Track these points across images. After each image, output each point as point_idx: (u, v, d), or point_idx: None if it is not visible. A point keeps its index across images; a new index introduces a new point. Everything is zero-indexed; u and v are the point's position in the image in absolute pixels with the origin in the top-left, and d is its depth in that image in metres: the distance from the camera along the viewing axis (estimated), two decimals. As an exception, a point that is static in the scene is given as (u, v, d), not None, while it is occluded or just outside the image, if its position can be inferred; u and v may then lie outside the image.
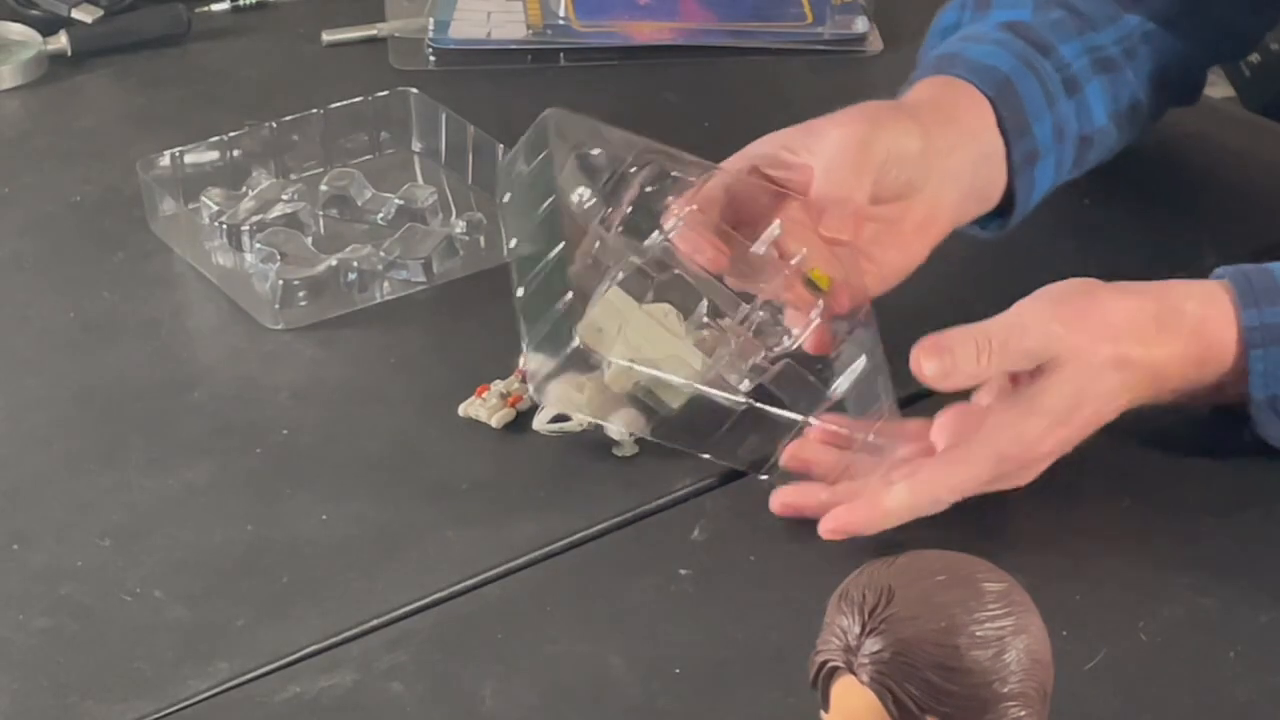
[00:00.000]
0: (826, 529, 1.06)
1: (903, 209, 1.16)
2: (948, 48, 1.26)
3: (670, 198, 1.13)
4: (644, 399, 1.11)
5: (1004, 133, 1.21)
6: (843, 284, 1.12)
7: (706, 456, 1.11)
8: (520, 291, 1.10)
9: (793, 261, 1.12)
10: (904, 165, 1.15)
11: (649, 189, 1.14)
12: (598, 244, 1.11)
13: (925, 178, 1.16)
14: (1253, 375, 1.09)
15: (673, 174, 1.14)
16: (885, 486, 1.06)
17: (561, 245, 1.08)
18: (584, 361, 1.07)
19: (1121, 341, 1.07)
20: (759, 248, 1.12)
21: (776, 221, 1.12)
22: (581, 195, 1.12)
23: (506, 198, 1.15)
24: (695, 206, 1.12)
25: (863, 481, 1.07)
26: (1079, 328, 1.07)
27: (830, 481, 1.09)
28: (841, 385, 1.10)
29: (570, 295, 1.06)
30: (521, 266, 1.11)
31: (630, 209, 1.12)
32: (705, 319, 1.11)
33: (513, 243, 1.14)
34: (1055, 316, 1.07)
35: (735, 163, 1.17)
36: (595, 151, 1.13)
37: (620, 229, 1.12)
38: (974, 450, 1.06)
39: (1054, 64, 1.24)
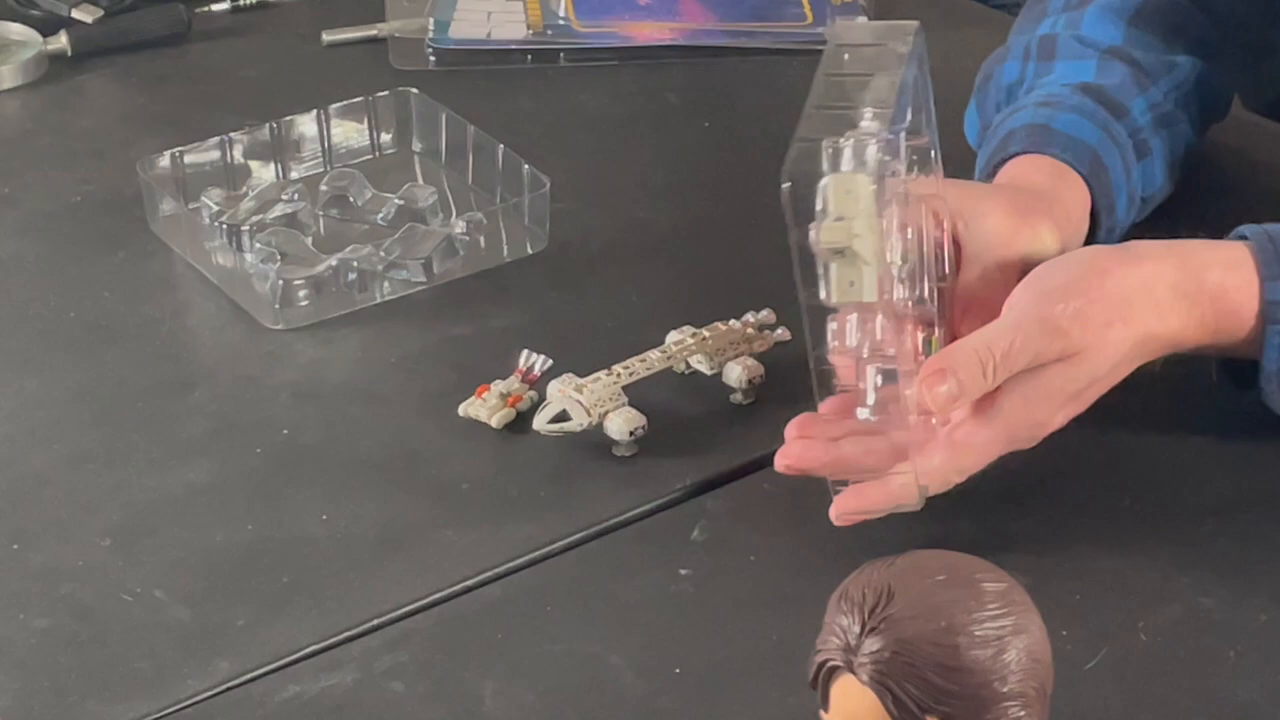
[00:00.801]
0: (837, 514, 1.06)
1: None
2: (1034, 116, 1.23)
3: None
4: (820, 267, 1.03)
5: (1094, 214, 1.20)
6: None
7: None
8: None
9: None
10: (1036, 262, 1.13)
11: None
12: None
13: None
14: (1268, 348, 1.08)
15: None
16: (894, 470, 1.05)
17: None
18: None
19: (1135, 320, 1.06)
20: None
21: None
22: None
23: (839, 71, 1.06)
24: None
25: (865, 447, 1.06)
26: (1086, 319, 1.05)
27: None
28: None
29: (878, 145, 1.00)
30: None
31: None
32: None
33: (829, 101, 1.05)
34: (1060, 313, 1.05)
35: None
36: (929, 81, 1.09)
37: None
38: (985, 432, 1.05)
39: (1127, 128, 1.24)
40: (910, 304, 1.07)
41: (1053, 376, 1.05)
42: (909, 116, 1.05)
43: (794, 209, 1.01)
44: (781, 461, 1.07)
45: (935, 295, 1.09)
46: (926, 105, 1.10)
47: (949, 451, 1.06)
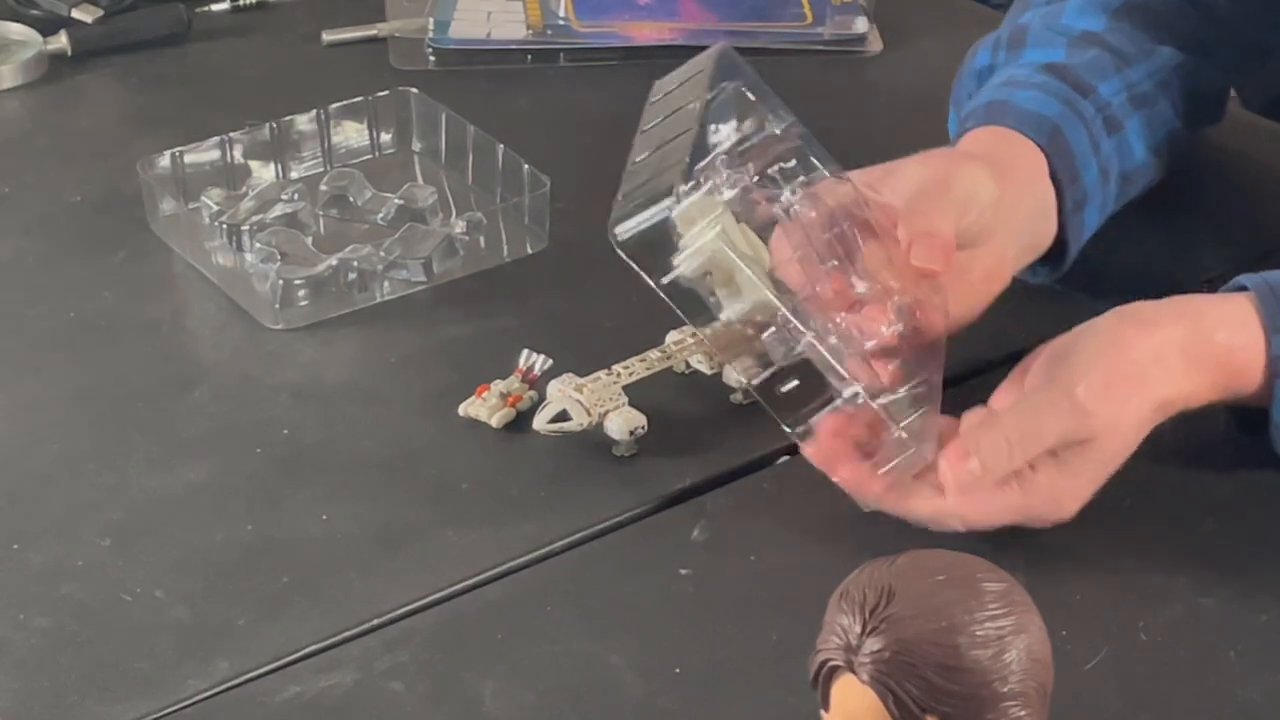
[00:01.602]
0: (844, 480, 1.07)
1: (971, 258, 1.14)
2: (994, 94, 1.24)
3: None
4: (705, 296, 1.05)
5: (1056, 183, 1.21)
6: (937, 308, 1.11)
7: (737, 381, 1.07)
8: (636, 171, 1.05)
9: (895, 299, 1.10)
10: (979, 209, 1.14)
11: (779, 166, 1.10)
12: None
13: (995, 227, 1.15)
14: (1276, 400, 1.08)
15: (802, 178, 1.11)
16: (917, 486, 1.06)
17: (684, 162, 1.03)
18: (666, 233, 1.02)
19: (1152, 389, 1.06)
20: (859, 285, 1.10)
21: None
22: (721, 131, 1.08)
23: (650, 124, 1.10)
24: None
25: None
26: (1109, 395, 1.05)
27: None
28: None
29: (685, 187, 1.01)
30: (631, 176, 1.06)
31: (755, 178, 1.09)
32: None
33: (639, 156, 1.08)
34: (1084, 392, 1.05)
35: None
36: (752, 97, 1.10)
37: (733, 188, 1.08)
38: (1003, 497, 1.05)
39: (1094, 105, 1.24)
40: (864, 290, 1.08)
41: (1073, 458, 1.05)
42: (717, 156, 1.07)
43: (640, 262, 1.02)
44: (814, 455, 1.07)
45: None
46: (770, 109, 1.10)
47: (961, 500, 1.06)
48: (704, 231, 1.02)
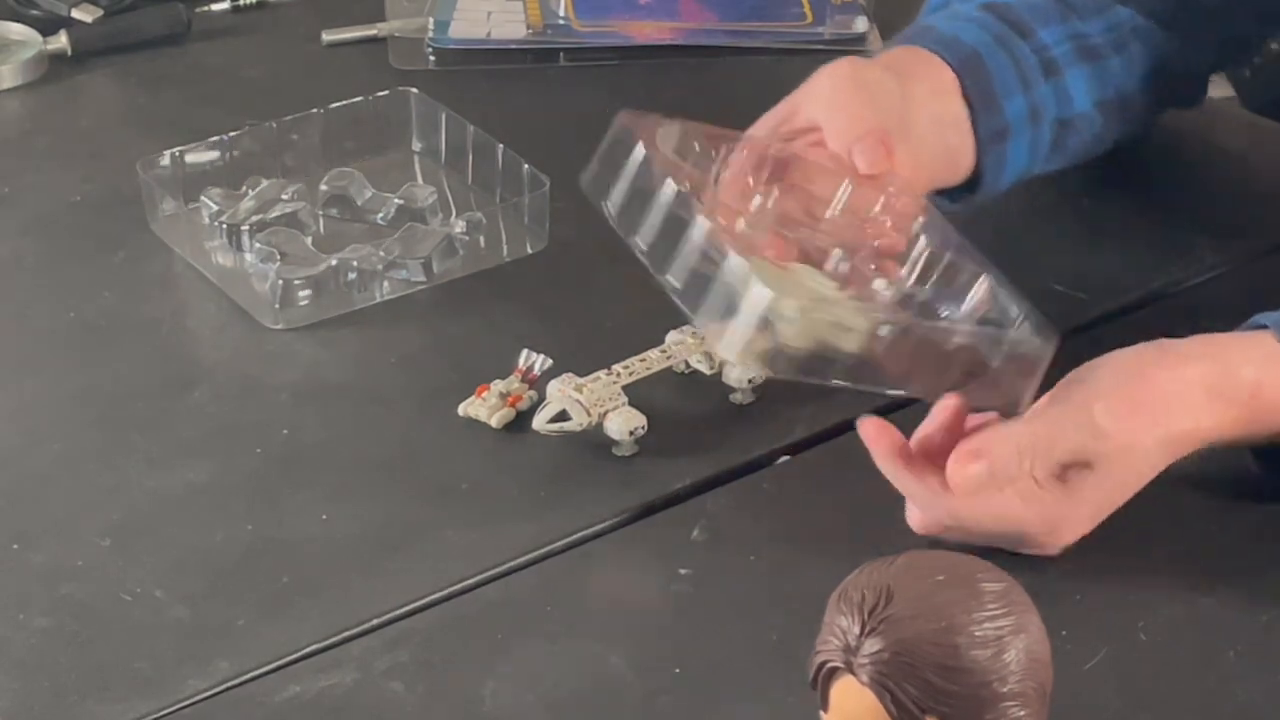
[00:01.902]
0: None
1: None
2: (923, 21, 1.26)
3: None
4: (820, 350, 1.04)
5: (969, 103, 1.20)
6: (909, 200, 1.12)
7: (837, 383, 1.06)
8: (673, 279, 1.04)
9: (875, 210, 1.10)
10: (892, 101, 1.15)
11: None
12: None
13: (906, 127, 1.16)
14: None
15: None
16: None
17: (703, 222, 1.03)
18: (764, 321, 1.01)
19: (1171, 421, 1.04)
20: (833, 210, 1.10)
21: (845, 182, 1.11)
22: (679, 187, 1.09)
23: (614, 207, 1.11)
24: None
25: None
26: (1127, 423, 1.03)
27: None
28: (965, 305, 1.08)
29: (732, 255, 1.01)
30: (657, 254, 1.07)
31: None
32: (840, 266, 1.08)
33: (640, 241, 1.09)
34: (1102, 412, 1.03)
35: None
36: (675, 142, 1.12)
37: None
38: (1002, 508, 1.04)
39: (1032, 46, 1.24)
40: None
41: (1086, 484, 1.04)
42: None
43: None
44: (866, 430, 1.07)
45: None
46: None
47: (956, 497, 1.04)
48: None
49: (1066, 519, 1.04)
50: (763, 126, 1.19)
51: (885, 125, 1.14)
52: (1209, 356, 1.06)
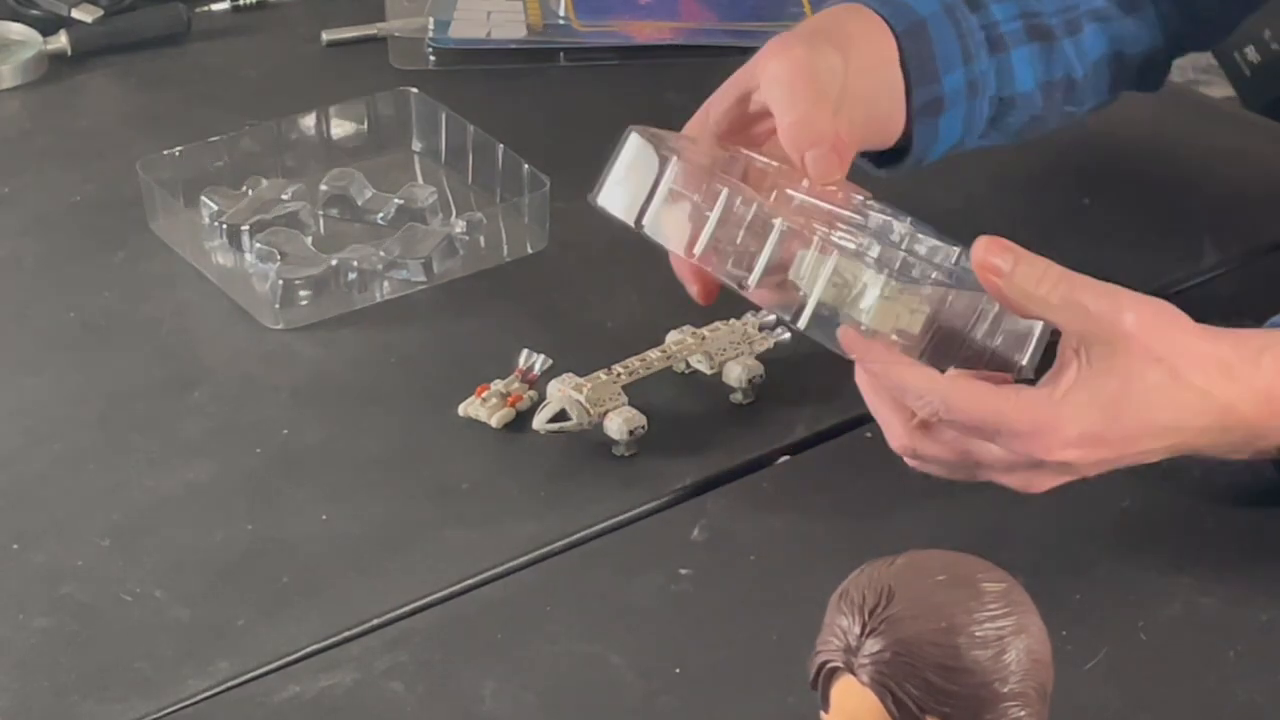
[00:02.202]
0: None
1: None
2: None
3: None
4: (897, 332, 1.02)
5: (905, 73, 1.19)
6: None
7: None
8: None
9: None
10: (838, 85, 1.13)
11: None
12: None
13: (841, 94, 1.14)
14: None
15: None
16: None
17: (781, 223, 1.03)
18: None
19: (1183, 367, 1.00)
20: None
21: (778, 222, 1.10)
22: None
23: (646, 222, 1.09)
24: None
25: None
26: (1150, 331, 1.00)
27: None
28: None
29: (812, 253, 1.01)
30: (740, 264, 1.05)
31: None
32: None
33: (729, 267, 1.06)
34: (1130, 316, 1.00)
35: (696, 131, 1.17)
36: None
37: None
38: (995, 401, 1.00)
39: (981, 20, 1.22)
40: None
41: (1092, 370, 0.99)
42: None
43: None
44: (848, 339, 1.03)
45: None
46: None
47: (952, 382, 1.00)
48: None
49: (1052, 426, 0.99)
50: (718, 106, 1.17)
51: (829, 109, 1.12)
52: (1228, 338, 1.03)
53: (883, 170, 1.23)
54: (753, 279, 1.03)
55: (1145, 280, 1.26)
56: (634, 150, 1.08)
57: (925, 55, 1.19)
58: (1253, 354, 1.02)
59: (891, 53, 1.19)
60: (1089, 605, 1.04)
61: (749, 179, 1.11)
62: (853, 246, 1.03)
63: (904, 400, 1.02)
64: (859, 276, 1.01)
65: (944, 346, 1.02)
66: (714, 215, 1.04)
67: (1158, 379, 1.00)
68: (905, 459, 1.06)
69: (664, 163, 1.06)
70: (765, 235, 1.03)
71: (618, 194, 1.09)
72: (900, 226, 1.10)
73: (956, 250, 1.08)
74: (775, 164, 1.13)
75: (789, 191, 1.10)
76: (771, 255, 1.03)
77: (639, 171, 1.08)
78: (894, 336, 1.01)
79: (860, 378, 1.05)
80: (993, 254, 1.00)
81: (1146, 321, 1.00)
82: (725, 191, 1.04)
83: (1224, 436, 1.02)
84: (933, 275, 1.05)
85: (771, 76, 1.13)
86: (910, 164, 1.22)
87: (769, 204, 1.06)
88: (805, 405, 1.19)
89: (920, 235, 1.09)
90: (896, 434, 1.05)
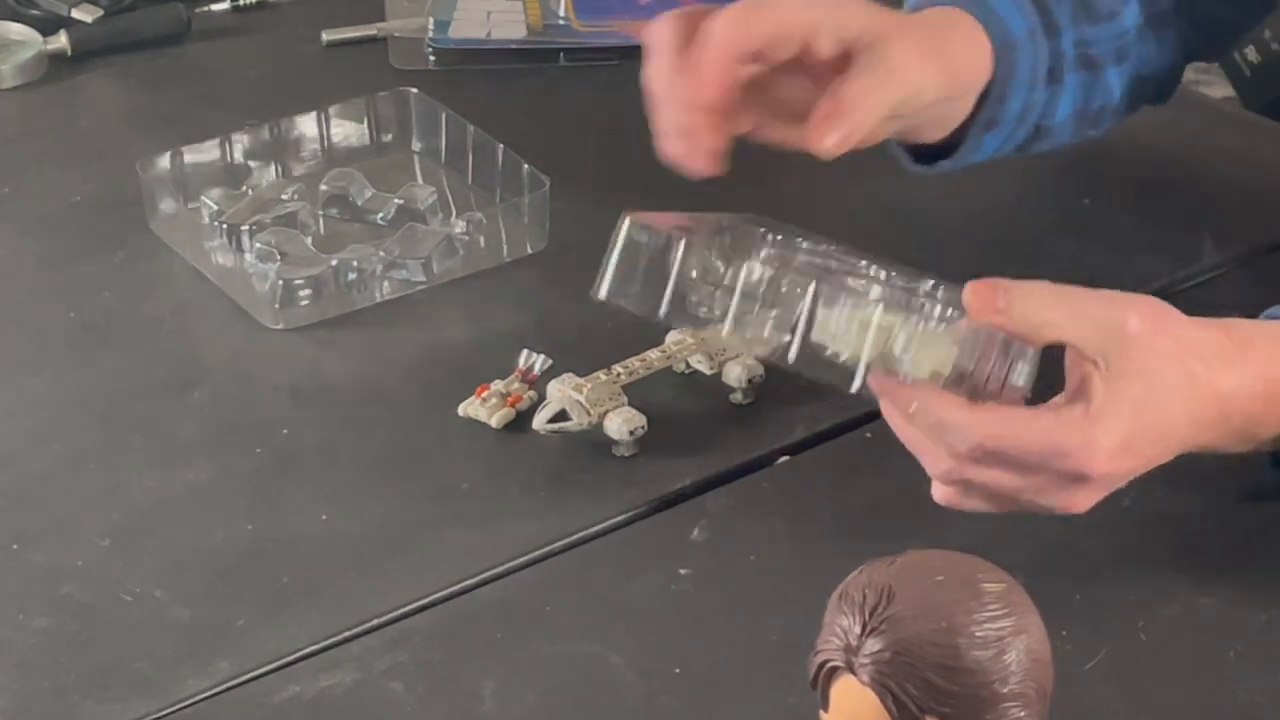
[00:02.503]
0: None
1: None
2: None
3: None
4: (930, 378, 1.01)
5: (987, 89, 1.17)
6: None
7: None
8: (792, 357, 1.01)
9: None
10: (915, 108, 1.12)
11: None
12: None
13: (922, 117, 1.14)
14: None
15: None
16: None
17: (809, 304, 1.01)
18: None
19: (1190, 362, 1.00)
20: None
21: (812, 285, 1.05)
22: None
23: (663, 312, 1.05)
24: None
25: None
26: (1155, 335, 0.99)
27: None
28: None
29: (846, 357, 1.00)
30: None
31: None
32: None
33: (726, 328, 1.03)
34: (1135, 313, 0.99)
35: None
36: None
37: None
38: (1038, 427, 0.98)
39: (1051, 49, 1.21)
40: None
41: (1111, 391, 0.99)
42: None
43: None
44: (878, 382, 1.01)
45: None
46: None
47: (990, 413, 0.99)
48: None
49: (1095, 440, 0.98)
50: (758, 32, 1.10)
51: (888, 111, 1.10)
52: (1217, 324, 1.03)
53: (918, 167, 1.22)
54: (794, 352, 1.02)
55: (1145, 280, 1.26)
56: (629, 236, 1.06)
57: (1006, 76, 1.18)
58: (1243, 342, 1.02)
59: (982, 74, 1.17)
60: (1089, 605, 1.04)
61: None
62: (874, 296, 1.02)
63: (944, 439, 1.01)
64: (894, 325, 1.00)
65: (963, 381, 1.02)
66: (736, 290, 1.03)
67: (1173, 376, 1.00)
68: (945, 500, 1.04)
69: (672, 247, 1.04)
70: (789, 300, 1.02)
71: (624, 286, 1.06)
72: (888, 271, 1.09)
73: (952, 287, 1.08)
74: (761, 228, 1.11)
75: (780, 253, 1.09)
76: (799, 317, 1.02)
77: (643, 262, 1.06)
78: (927, 378, 1.01)
79: (891, 415, 1.03)
80: (985, 299, 1.00)
81: (1149, 321, 1.00)
82: (747, 265, 1.02)
83: (1226, 426, 1.02)
84: (949, 313, 1.04)
85: (889, 42, 1.09)
86: (945, 168, 1.22)
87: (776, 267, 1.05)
88: (805, 405, 1.19)
89: (911, 278, 1.08)
90: (942, 460, 1.02)
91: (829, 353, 1.01)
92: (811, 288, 1.01)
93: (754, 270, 1.01)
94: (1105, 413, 0.99)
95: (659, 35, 1.11)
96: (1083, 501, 1.01)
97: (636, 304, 1.04)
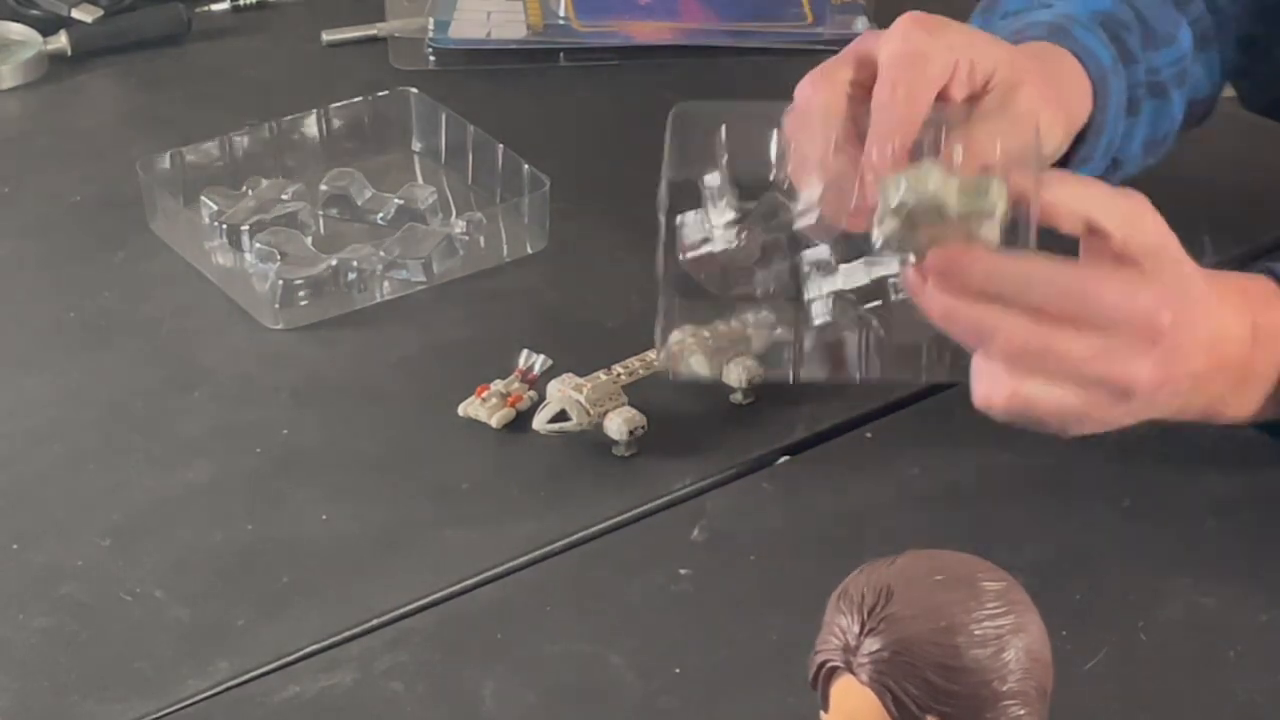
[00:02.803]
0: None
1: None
2: (1053, 18, 1.18)
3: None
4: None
5: (1085, 128, 1.16)
6: None
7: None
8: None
9: None
10: (1040, 163, 1.09)
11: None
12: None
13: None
14: None
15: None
16: None
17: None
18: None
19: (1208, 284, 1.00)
20: None
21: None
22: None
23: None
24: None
25: None
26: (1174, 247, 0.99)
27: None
28: None
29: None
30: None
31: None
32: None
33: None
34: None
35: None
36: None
37: None
38: (1124, 286, 0.96)
39: (1130, 78, 1.20)
40: None
41: (1149, 262, 0.97)
42: None
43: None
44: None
45: None
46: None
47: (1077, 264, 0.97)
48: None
49: (1173, 289, 0.97)
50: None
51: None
52: (1201, 272, 1.02)
53: None
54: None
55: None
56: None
57: (1103, 111, 1.17)
58: (1235, 288, 1.02)
59: (1086, 110, 1.16)
60: (1089, 605, 1.04)
61: None
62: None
63: (1029, 294, 0.95)
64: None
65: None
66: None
67: (1198, 277, 0.99)
68: (1007, 395, 0.97)
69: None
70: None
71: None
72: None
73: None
74: None
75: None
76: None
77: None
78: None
79: (941, 304, 0.96)
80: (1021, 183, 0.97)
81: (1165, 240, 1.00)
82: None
83: (1221, 376, 1.01)
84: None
85: (1018, 89, 1.08)
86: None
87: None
88: (805, 405, 1.19)
89: None
90: (1018, 331, 0.96)
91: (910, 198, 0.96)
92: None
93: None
94: (1164, 276, 0.97)
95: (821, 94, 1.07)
96: (1146, 375, 0.96)
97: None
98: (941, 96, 1.06)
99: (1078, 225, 0.99)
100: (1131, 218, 0.99)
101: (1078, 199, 0.98)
